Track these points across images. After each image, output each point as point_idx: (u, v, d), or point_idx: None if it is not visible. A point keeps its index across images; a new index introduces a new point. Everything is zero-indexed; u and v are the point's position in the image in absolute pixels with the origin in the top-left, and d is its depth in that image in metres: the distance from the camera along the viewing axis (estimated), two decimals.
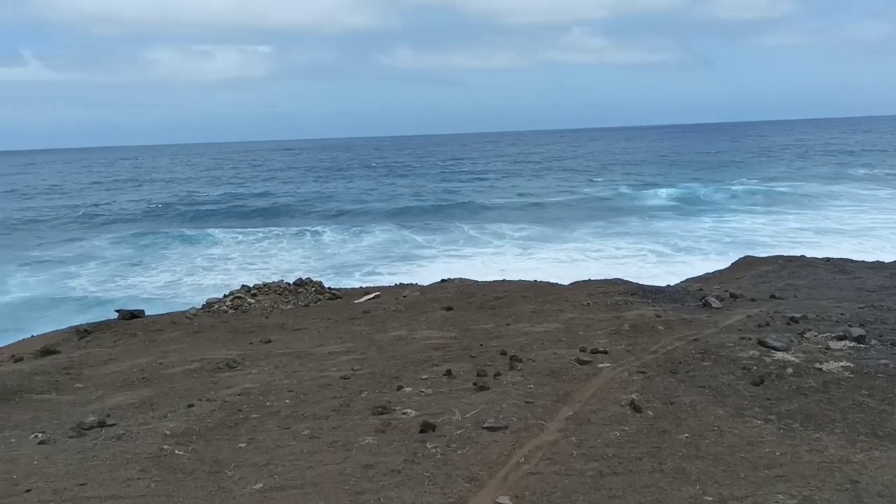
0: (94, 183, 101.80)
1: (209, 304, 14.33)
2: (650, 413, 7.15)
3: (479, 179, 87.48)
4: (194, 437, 7.23)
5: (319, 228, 50.53)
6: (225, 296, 14.59)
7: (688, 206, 57.01)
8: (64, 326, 27.38)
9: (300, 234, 49.00)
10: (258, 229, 51.75)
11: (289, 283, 14.72)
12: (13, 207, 70.93)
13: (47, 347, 11.51)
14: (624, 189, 70.57)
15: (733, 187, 66.50)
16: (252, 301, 14.18)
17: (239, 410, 7.97)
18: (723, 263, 35.82)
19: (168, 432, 7.27)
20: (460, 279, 15.10)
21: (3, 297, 31.58)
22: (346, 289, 15.70)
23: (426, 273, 35.69)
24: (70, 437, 7.42)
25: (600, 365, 8.65)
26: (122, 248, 44.40)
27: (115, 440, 7.15)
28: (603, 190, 71.08)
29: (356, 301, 14.00)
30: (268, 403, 8.17)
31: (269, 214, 59.75)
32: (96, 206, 69.78)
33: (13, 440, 7.54)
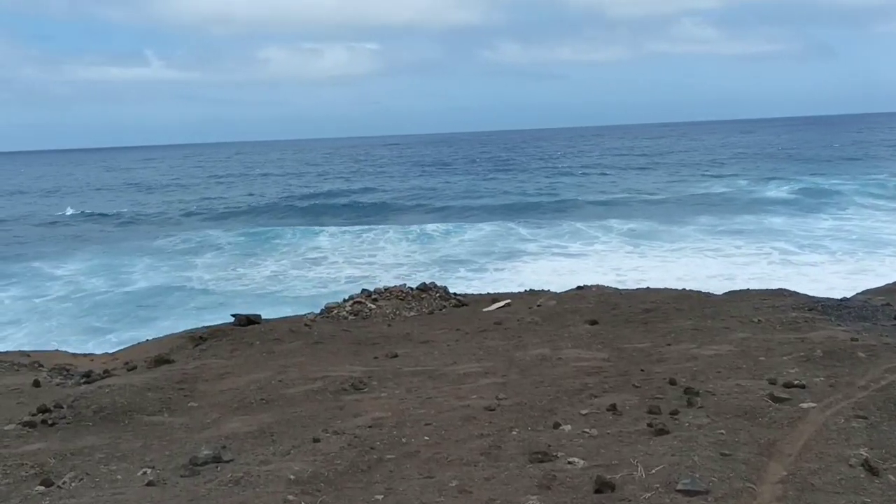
0: (210, 177, 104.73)
1: (328, 309, 13.36)
2: (892, 478, 5.57)
3: (584, 174, 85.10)
4: (322, 483, 6.08)
5: (425, 224, 49.54)
6: (344, 300, 13.60)
7: (808, 201, 53.02)
8: (182, 316, 27.87)
9: (405, 229, 48.28)
10: (364, 224, 51.36)
11: (411, 288, 13.59)
12: (137, 201, 73.35)
13: (161, 356, 10.73)
14: (740, 183, 66.75)
15: (858, 182, 62.10)
16: (373, 307, 13.12)
17: (372, 448, 6.79)
18: (853, 264, 33.09)
19: (293, 476, 6.15)
20: (598, 286, 13.62)
21: (128, 287, 32.48)
22: (471, 295, 14.44)
23: (532, 271, 34.10)
24: (182, 476, 6.42)
25: (803, 405, 7.06)
26: (236, 240, 44.74)
27: (232, 485, 6.07)
28: (715, 185, 67.43)
29: (485, 310, 12.73)
30: (403, 440, 6.97)
31: (374, 210, 59.31)
32: (212, 199, 71.31)
33: (119, 476, 6.61)
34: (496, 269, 33.92)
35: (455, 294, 13.84)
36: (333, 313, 13.14)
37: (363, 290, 13.76)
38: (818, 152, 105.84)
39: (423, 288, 13.55)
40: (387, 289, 13.50)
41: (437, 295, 13.43)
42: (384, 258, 38.53)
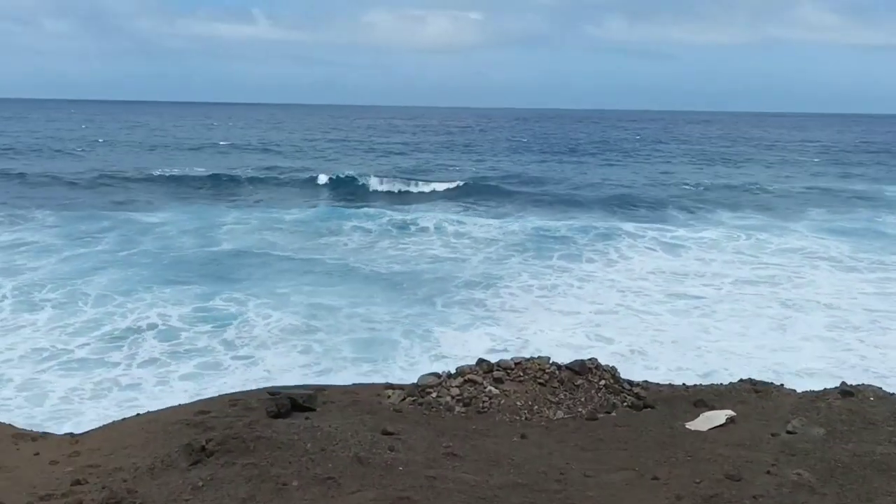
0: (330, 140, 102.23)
1: (421, 389, 8.17)
2: None
3: (693, 163, 78.01)
4: None
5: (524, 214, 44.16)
6: (449, 375, 8.37)
7: None
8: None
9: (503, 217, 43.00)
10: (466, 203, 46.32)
11: (558, 365, 8.23)
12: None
13: (120, 498, 5.74)
14: (860, 183, 59.30)
15: None
16: (495, 391, 7.90)
17: None
18: None
19: None
20: (871, 387, 7.91)
21: (214, 248, 32.05)
22: (655, 384, 8.86)
23: (639, 263, 30.22)
24: None
25: None
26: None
27: None
28: (834, 180, 60.52)
29: (691, 426, 7.28)
30: None
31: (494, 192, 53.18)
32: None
33: None
34: (605, 259, 28.59)
35: (630, 383, 8.35)
36: (430, 396, 7.97)
37: (480, 361, 8.48)
38: None
39: (580, 368, 8.15)
40: (518, 363, 8.19)
41: (602, 383, 8.02)
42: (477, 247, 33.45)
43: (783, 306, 23.59)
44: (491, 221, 40.19)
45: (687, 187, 55.96)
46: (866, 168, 75.47)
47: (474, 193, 49.63)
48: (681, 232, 37.13)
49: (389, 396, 8.28)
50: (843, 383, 7.87)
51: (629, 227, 38.49)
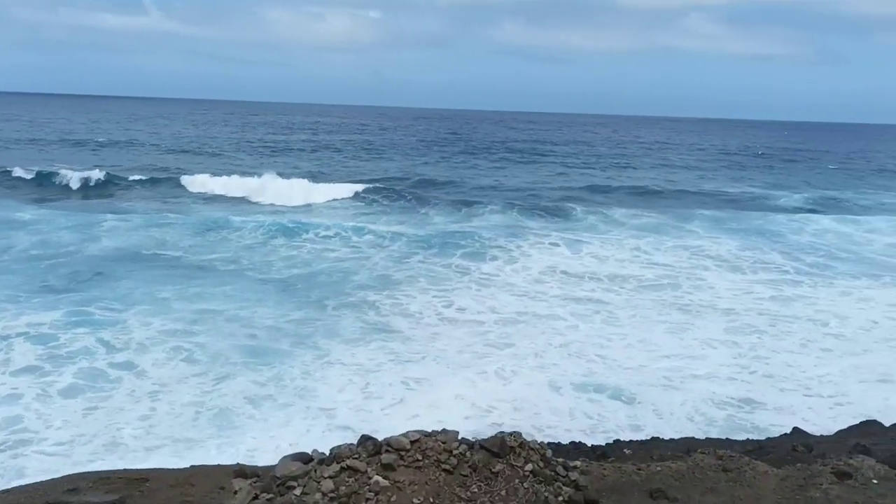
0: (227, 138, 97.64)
1: (280, 482, 6.55)
2: None
3: (589, 165, 78.93)
4: None
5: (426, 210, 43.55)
6: (321, 460, 6.73)
7: (829, 211, 47.85)
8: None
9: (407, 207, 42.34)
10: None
11: (469, 443, 6.76)
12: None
13: None
14: (749, 187, 61.32)
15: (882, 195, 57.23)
16: (384, 483, 6.35)
17: None
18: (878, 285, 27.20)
19: None
20: (861, 458, 6.93)
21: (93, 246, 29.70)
22: (584, 464, 7.38)
23: (539, 263, 29.71)
24: None
25: None
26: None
27: None
28: (726, 185, 62.27)
29: None
30: None
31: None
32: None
33: None
34: (508, 253, 27.72)
35: (566, 467, 6.83)
36: (294, 494, 6.12)
37: (363, 440, 6.86)
38: (834, 158, 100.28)
39: (499, 448, 6.57)
40: (415, 441, 6.56)
41: (528, 468, 6.55)
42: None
43: (682, 311, 23.25)
44: (393, 221, 39.08)
45: (585, 187, 56.27)
46: (753, 172, 78.05)
47: (375, 193, 48.17)
48: (581, 232, 37.06)
49: (235, 493, 6.41)
50: (837, 460, 6.77)
51: (531, 225, 38.25)
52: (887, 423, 10.19)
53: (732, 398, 16.33)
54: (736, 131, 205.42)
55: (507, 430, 13.02)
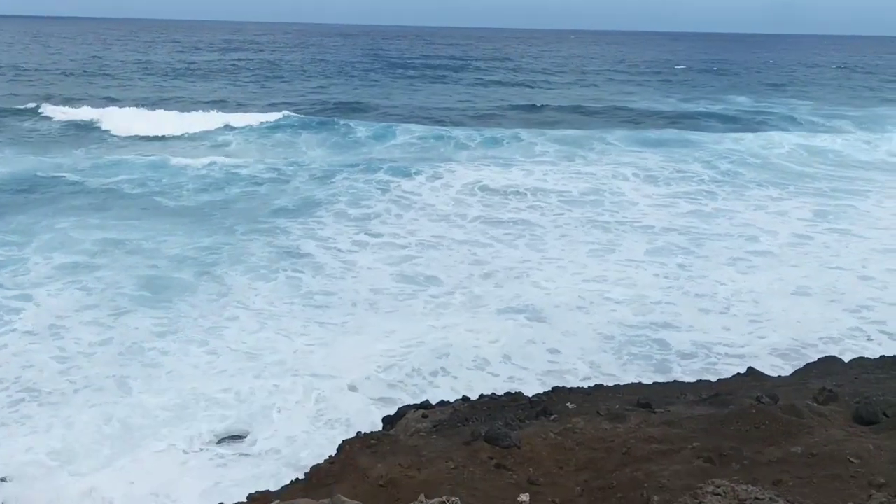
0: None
1: None
2: None
3: (511, 83, 77.70)
4: None
5: (350, 122, 41.90)
6: None
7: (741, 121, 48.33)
8: None
9: (327, 127, 40.68)
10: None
11: None
12: None
13: None
14: (671, 101, 61.34)
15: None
16: None
17: None
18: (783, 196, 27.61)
19: None
20: None
21: None
22: None
23: (464, 178, 28.91)
24: None
25: None
26: None
27: None
28: (647, 99, 62.16)
29: None
30: None
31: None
32: None
33: None
34: (432, 173, 26.69)
35: None
36: None
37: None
38: (739, 71, 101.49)
39: None
40: None
41: None
42: (302, 159, 30.80)
43: (605, 230, 22.70)
44: (312, 144, 37.42)
45: (509, 105, 55.17)
46: (674, 85, 78.06)
47: (291, 118, 45.60)
48: (505, 149, 36.30)
49: None
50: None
51: (454, 145, 37.20)
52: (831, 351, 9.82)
53: (655, 323, 15.82)
54: (651, 44, 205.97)
55: (429, 379, 11.96)
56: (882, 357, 8.73)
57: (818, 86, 79.61)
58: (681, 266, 19.35)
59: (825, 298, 17.21)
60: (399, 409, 8.65)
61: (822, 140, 40.45)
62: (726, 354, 14.27)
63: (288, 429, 10.87)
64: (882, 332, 15.42)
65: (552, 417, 7.54)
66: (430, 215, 24.07)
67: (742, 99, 63.34)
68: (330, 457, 7.30)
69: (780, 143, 39.02)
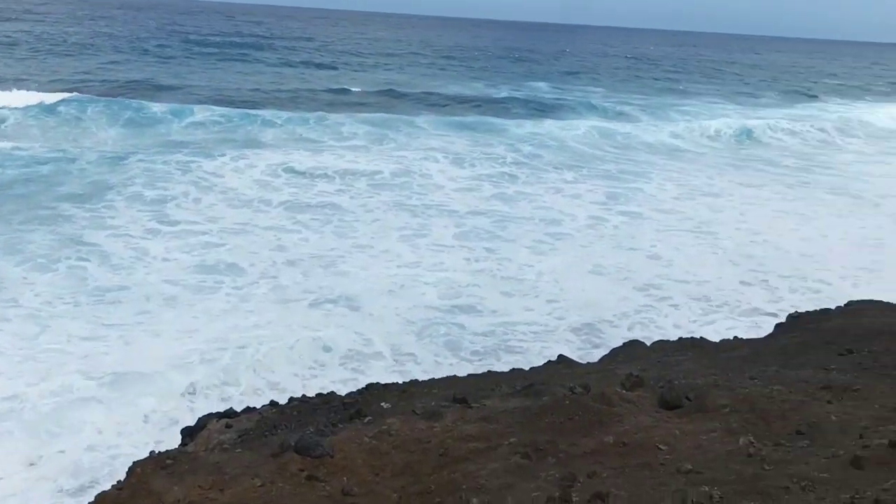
0: None
1: None
2: None
3: (315, 64, 76.39)
4: None
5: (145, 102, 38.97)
6: None
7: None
8: None
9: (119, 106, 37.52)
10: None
11: None
12: None
13: None
14: (477, 86, 62.83)
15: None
16: None
17: None
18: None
19: None
20: None
21: None
22: None
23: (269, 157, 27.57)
24: None
25: None
26: None
27: None
28: (453, 84, 63.35)
29: None
30: None
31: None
32: None
33: None
34: (234, 156, 25.37)
35: None
36: None
37: None
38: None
39: None
40: None
41: None
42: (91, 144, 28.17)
43: (413, 214, 22.64)
44: (102, 128, 34.31)
45: (314, 88, 53.92)
46: (479, 72, 79.86)
47: (75, 101, 41.59)
48: (312, 130, 35.40)
49: None
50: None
51: (257, 127, 35.70)
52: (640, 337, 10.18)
53: (459, 306, 15.92)
54: (455, 30, 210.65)
55: (233, 383, 10.95)
56: (680, 339, 9.15)
57: (609, 74, 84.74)
58: (488, 250, 19.66)
59: (618, 277, 18.15)
60: (200, 418, 7.90)
61: (613, 125, 43.00)
62: (526, 333, 14.60)
63: (73, 451, 9.67)
64: (670, 305, 16.48)
65: (366, 420, 7.15)
66: (231, 200, 22.87)
67: (541, 85, 65.95)
68: (118, 482, 6.47)
69: (577, 126, 41.03)
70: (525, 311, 15.68)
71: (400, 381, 8.57)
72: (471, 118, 42.42)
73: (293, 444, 6.36)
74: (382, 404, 7.56)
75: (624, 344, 9.10)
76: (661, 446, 6.11)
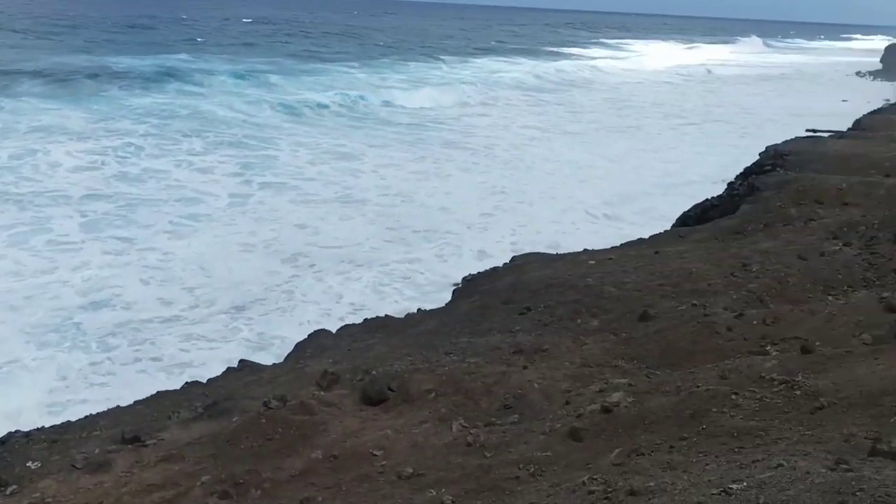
0: None
1: None
2: None
3: None
4: None
5: None
6: None
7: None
8: None
9: None
10: None
11: None
12: None
13: None
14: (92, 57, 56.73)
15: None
16: None
17: None
18: None
19: None
20: None
21: None
22: None
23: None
24: None
25: None
26: None
27: None
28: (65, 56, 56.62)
29: None
30: None
31: None
32: None
33: None
34: None
35: None
36: None
37: None
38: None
39: None
40: None
41: None
42: None
43: (22, 207, 19.36)
44: None
45: None
46: (72, 41, 70.95)
47: None
48: None
49: None
50: None
51: None
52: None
53: (95, 302, 13.98)
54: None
55: None
56: (365, 320, 8.71)
57: (230, 40, 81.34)
58: (123, 239, 17.51)
59: (267, 251, 17.38)
60: None
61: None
62: (176, 327, 13.23)
63: None
64: (317, 272, 16.12)
65: (10, 490, 5.59)
66: None
67: (182, 56, 60.45)
68: None
69: (209, 95, 38.63)
70: (172, 304, 14.20)
71: (47, 426, 6.96)
72: (85, 88, 37.86)
73: None
74: (29, 464, 5.98)
75: (309, 336, 8.40)
76: (375, 452, 5.57)
